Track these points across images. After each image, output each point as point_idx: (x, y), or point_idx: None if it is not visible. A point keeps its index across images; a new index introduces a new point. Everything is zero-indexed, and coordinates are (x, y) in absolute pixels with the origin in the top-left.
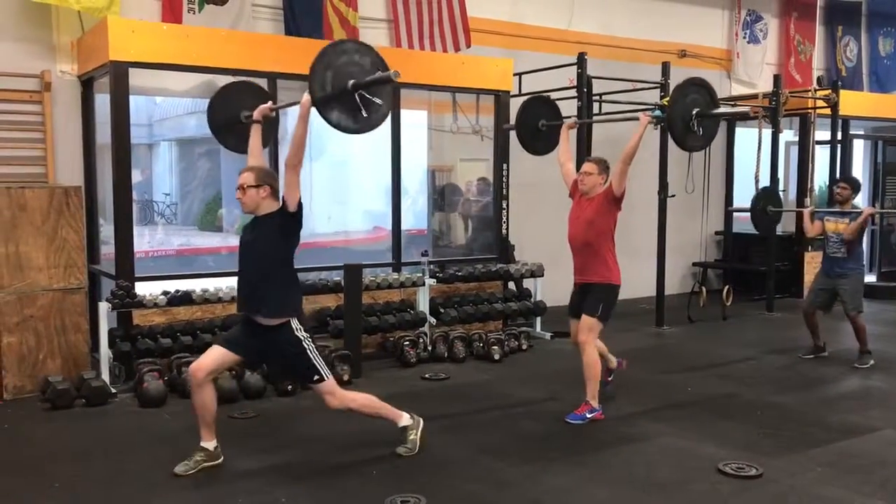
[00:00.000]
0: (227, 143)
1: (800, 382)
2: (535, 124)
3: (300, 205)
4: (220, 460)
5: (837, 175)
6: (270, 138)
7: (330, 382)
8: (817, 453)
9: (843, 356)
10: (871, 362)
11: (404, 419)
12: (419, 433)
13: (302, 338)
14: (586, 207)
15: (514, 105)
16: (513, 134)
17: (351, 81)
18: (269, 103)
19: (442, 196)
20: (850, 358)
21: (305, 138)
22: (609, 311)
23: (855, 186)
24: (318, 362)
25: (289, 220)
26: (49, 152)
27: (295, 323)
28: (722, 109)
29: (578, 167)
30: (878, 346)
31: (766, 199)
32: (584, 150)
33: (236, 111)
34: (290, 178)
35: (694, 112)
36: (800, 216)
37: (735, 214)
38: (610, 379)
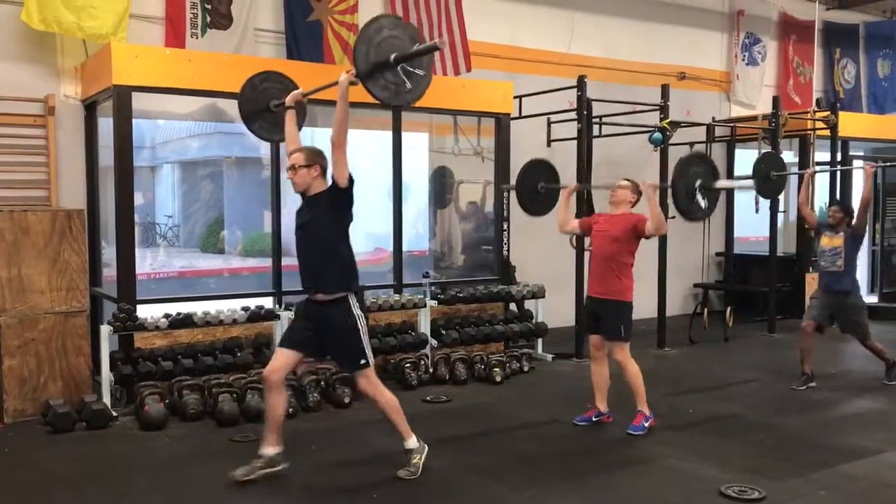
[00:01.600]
0: (259, 132)
1: (802, 404)
2: (535, 187)
3: (351, 180)
4: (279, 467)
5: (837, 196)
6: (302, 123)
7: (371, 368)
8: (820, 476)
9: (846, 378)
10: None
11: (412, 441)
12: (423, 458)
13: (357, 316)
14: (613, 224)
15: (515, 127)
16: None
17: (393, 55)
18: (300, 89)
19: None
20: (853, 380)
21: (347, 117)
22: (630, 329)
23: (847, 211)
24: (367, 346)
25: (341, 195)
26: (52, 176)
27: (352, 299)
28: (722, 183)
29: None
30: (878, 367)
31: (769, 164)
32: (583, 170)
33: (265, 100)
34: (336, 156)
35: (697, 184)
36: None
37: (736, 236)
38: (595, 420)
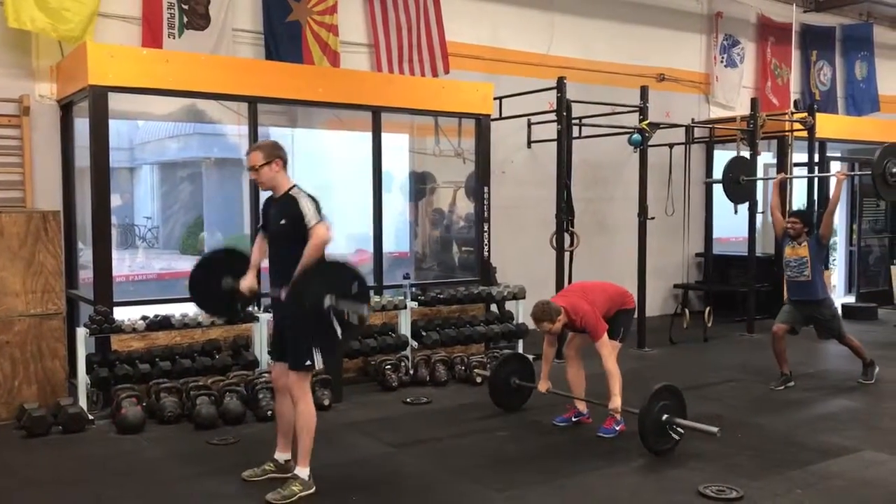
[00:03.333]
0: (212, 310)
1: (780, 404)
2: (508, 381)
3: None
4: (290, 474)
5: (815, 197)
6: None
7: (310, 372)
8: (797, 475)
9: (823, 378)
10: (877, 370)
11: (305, 471)
12: (302, 495)
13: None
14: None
15: (495, 128)
16: (494, 156)
17: (328, 302)
18: (254, 282)
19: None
20: (830, 380)
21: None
22: (628, 332)
23: (806, 222)
24: (318, 351)
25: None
26: (27, 177)
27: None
28: (687, 423)
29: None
30: (855, 366)
31: (738, 169)
32: (563, 171)
33: (217, 279)
34: None
35: (664, 418)
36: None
37: (715, 237)
38: (574, 420)
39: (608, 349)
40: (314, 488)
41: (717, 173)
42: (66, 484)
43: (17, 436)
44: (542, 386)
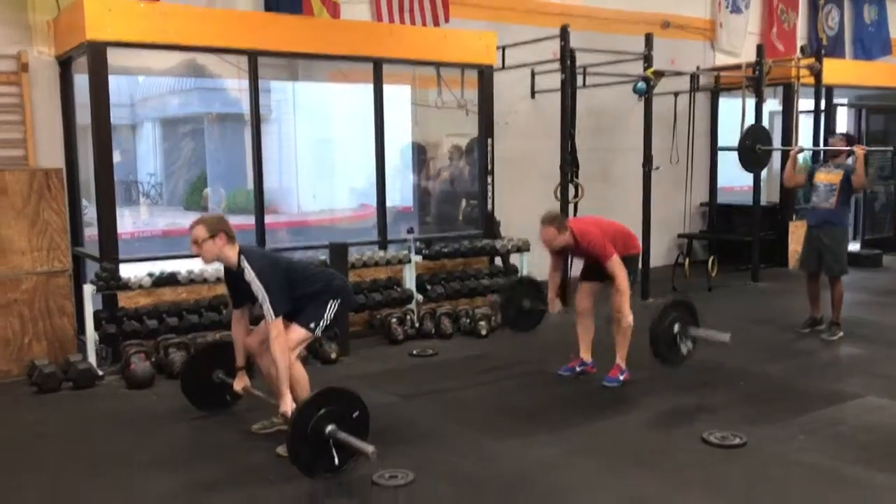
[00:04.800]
0: (207, 407)
1: (784, 352)
2: (519, 306)
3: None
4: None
5: (821, 144)
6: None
7: (308, 337)
8: (800, 421)
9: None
10: (840, 334)
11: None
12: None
13: (329, 308)
14: (584, 253)
15: (498, 78)
16: (497, 107)
17: (329, 429)
18: (245, 380)
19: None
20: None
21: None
22: (636, 275)
23: (851, 140)
24: (324, 322)
25: None
26: (29, 134)
27: (333, 303)
28: (699, 332)
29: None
30: (859, 313)
31: (755, 138)
32: (567, 121)
33: (209, 373)
34: None
35: (676, 330)
36: (786, 159)
37: (720, 186)
38: (579, 370)
39: (620, 268)
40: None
41: (723, 121)
42: (78, 438)
43: (29, 392)
44: (554, 307)
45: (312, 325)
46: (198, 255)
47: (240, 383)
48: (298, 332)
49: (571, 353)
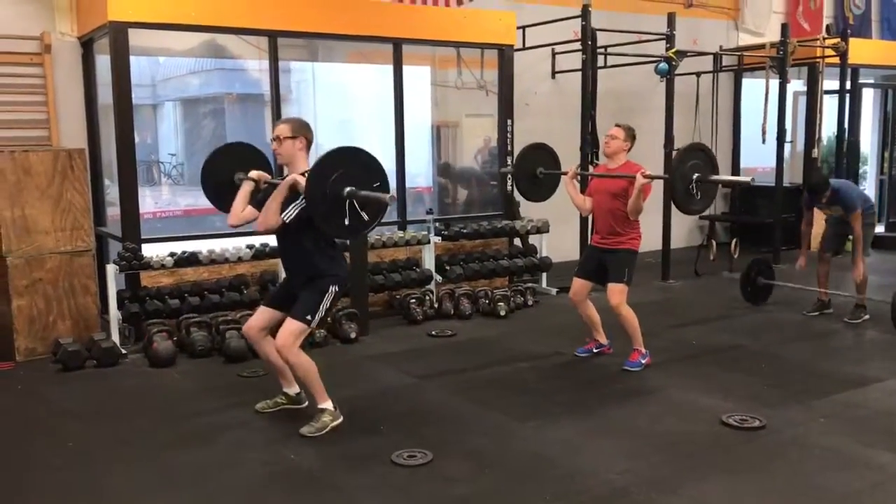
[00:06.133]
0: (221, 205)
1: (804, 334)
2: (534, 172)
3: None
4: (303, 405)
5: (846, 125)
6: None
7: (306, 330)
8: (820, 404)
9: (848, 308)
10: (866, 317)
11: (328, 403)
12: (333, 424)
13: (330, 290)
14: (611, 181)
15: (519, 58)
16: (518, 88)
17: (347, 189)
18: (268, 175)
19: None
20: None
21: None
22: (632, 274)
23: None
24: (320, 312)
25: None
26: (52, 115)
27: (333, 286)
28: (720, 177)
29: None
30: (882, 296)
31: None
32: (587, 102)
33: (230, 172)
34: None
35: (694, 177)
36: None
37: (742, 167)
38: (596, 350)
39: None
40: (342, 418)
41: (745, 102)
42: (101, 415)
43: (54, 369)
44: (570, 174)
45: (309, 318)
46: (274, 151)
47: (256, 172)
48: (295, 326)
49: (587, 337)
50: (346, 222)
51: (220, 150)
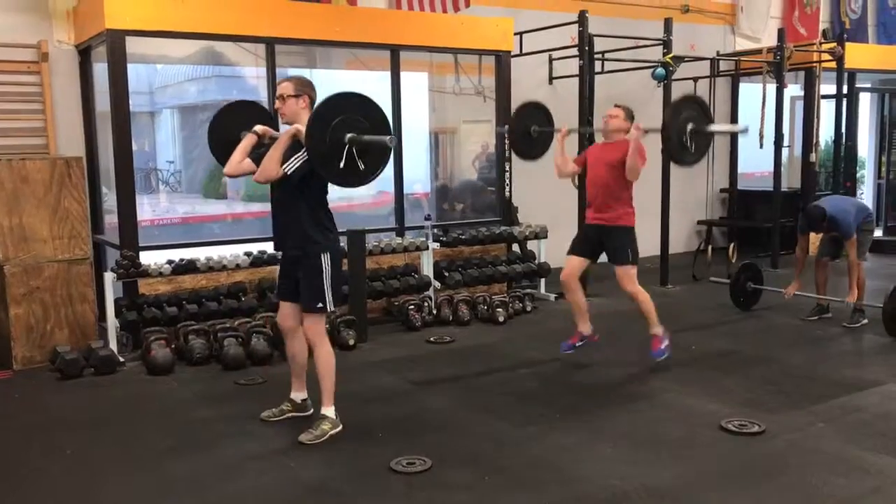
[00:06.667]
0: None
1: (803, 339)
2: (527, 130)
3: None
4: (308, 412)
5: (843, 129)
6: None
7: (324, 315)
8: (819, 409)
9: (847, 312)
10: (864, 321)
11: (331, 410)
12: (333, 432)
13: (325, 263)
14: (609, 153)
15: (516, 64)
16: (516, 94)
17: (348, 135)
18: (272, 130)
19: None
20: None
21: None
22: (637, 253)
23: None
24: (329, 292)
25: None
26: (49, 123)
27: (325, 257)
28: (715, 127)
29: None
30: (881, 301)
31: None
32: (585, 107)
33: (237, 130)
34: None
35: (689, 128)
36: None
37: (740, 172)
38: (579, 344)
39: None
40: (342, 426)
41: (742, 107)
42: (99, 423)
43: (52, 378)
44: (563, 132)
45: (320, 305)
46: (277, 111)
47: (262, 127)
48: (312, 317)
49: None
50: (342, 166)
51: (230, 106)
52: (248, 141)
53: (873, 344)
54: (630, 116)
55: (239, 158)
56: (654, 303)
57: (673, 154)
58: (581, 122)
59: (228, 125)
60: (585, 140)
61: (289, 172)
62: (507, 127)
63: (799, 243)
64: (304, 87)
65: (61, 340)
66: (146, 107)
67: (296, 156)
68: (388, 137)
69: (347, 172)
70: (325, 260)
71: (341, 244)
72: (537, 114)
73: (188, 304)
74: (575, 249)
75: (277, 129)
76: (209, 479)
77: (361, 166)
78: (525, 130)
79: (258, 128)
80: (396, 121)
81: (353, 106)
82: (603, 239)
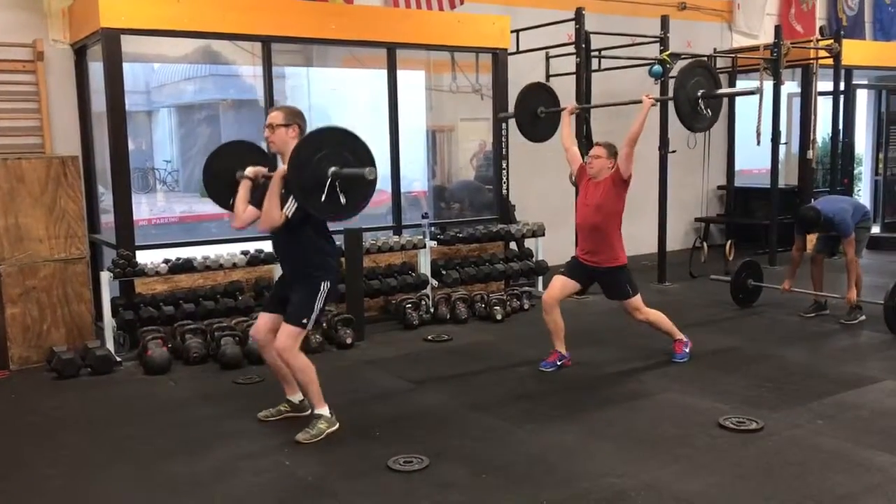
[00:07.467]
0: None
1: (801, 336)
2: (534, 111)
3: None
4: (306, 412)
5: (840, 126)
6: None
7: (303, 333)
8: (818, 406)
9: (846, 309)
10: (862, 318)
11: (325, 409)
12: (329, 431)
13: (322, 289)
14: (594, 192)
15: (513, 62)
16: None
17: (332, 169)
18: (265, 169)
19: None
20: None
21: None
22: (634, 283)
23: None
24: (314, 313)
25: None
26: (45, 122)
27: (324, 284)
28: (724, 90)
29: (584, 153)
30: (879, 297)
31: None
32: (582, 103)
33: (232, 170)
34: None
35: (699, 94)
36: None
37: (737, 169)
38: (559, 363)
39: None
40: (338, 424)
41: (740, 104)
42: (96, 423)
43: (48, 378)
44: (569, 108)
45: (304, 321)
46: (267, 139)
47: (254, 169)
48: (291, 329)
49: (551, 349)
50: (324, 199)
51: (216, 152)
52: (244, 189)
53: (871, 340)
54: (613, 154)
55: (242, 209)
56: (654, 301)
57: (686, 120)
58: (578, 119)
59: (222, 169)
60: (583, 133)
61: (289, 216)
62: (510, 112)
63: (796, 243)
64: (295, 117)
65: (58, 340)
66: (143, 106)
67: (291, 197)
68: (368, 169)
69: (329, 206)
70: (324, 287)
71: (341, 243)
72: (543, 95)
73: (185, 303)
74: (565, 272)
75: (270, 164)
76: (206, 479)
77: (343, 200)
78: (532, 111)
79: (249, 171)
80: (393, 119)
81: (335, 140)
82: (595, 278)
